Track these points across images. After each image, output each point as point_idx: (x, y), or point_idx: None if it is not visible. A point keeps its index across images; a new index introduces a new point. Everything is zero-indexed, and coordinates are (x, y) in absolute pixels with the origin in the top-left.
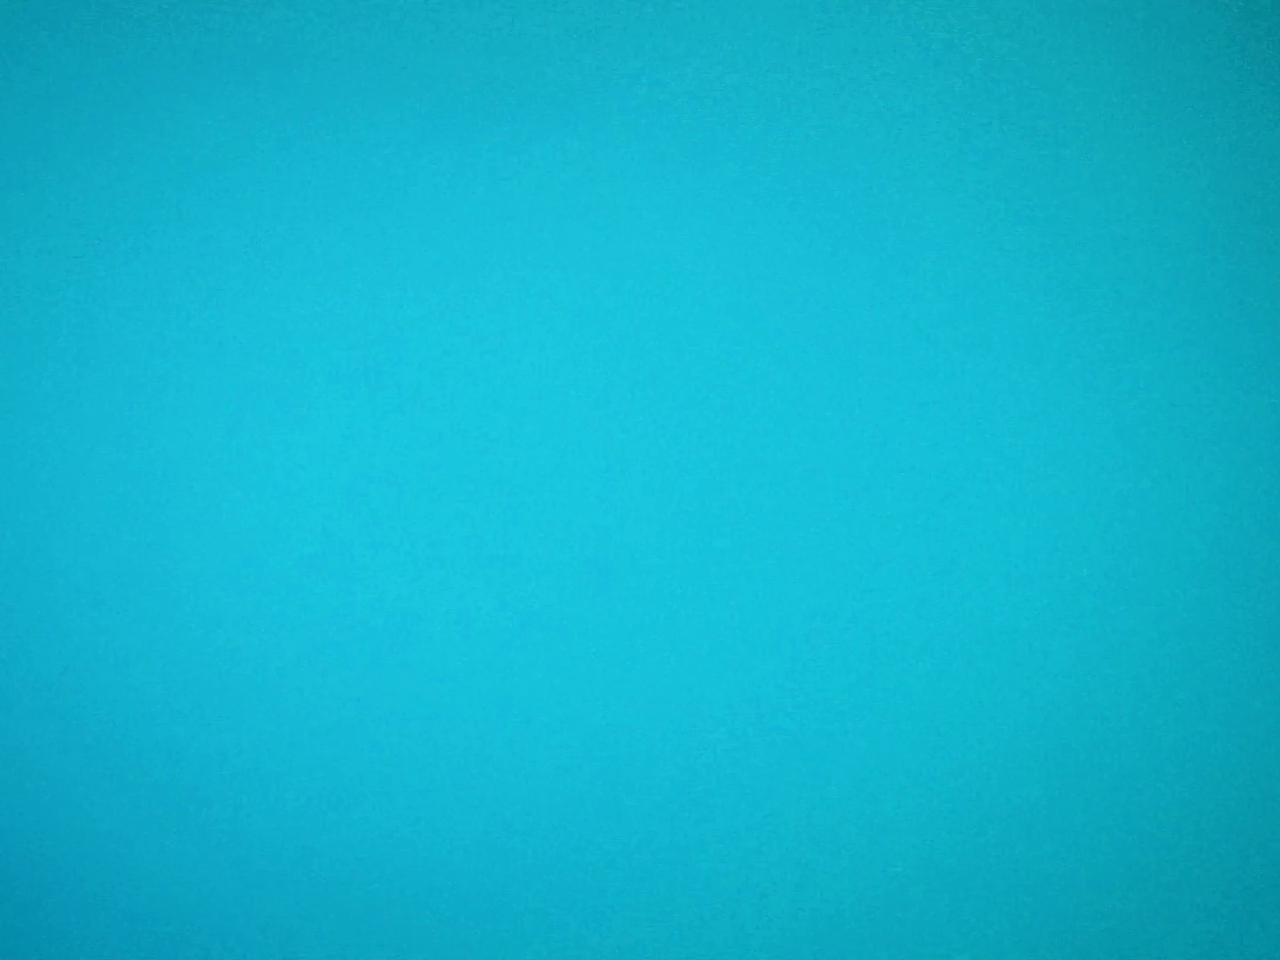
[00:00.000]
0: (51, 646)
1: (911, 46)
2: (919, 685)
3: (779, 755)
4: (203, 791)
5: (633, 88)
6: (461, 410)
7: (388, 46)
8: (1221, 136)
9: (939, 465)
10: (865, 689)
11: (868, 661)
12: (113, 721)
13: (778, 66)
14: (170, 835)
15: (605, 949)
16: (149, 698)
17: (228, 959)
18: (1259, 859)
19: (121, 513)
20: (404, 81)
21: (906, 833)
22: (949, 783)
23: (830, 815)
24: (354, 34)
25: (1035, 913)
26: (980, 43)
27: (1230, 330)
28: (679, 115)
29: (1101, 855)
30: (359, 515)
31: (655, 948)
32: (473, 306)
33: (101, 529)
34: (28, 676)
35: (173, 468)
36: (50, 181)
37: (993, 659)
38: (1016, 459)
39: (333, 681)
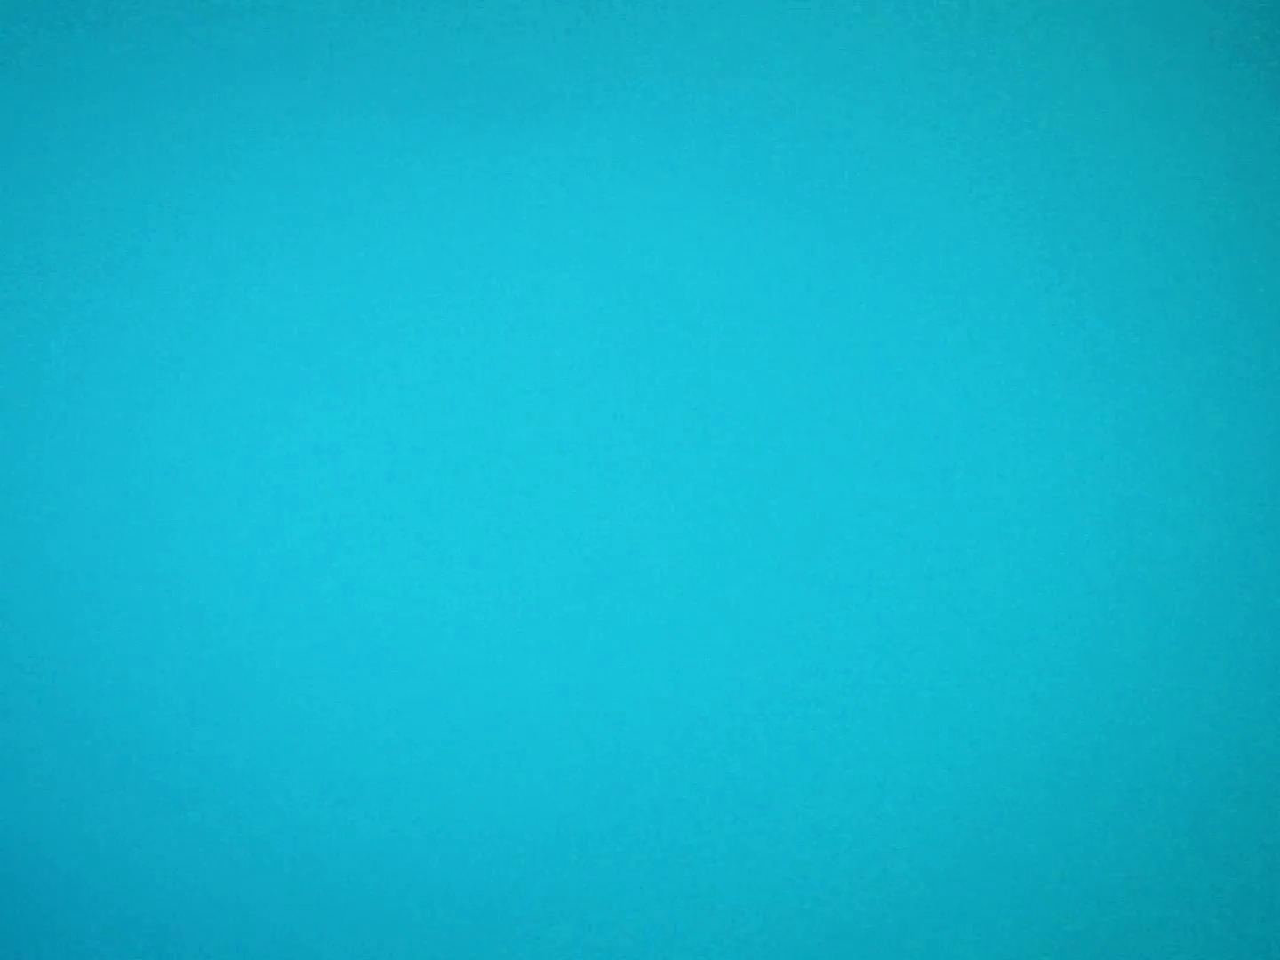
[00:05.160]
0: (52, 646)
1: (912, 46)
2: (920, 686)
3: (780, 756)
4: (203, 791)
5: (633, 87)
6: (461, 410)
7: (388, 46)
8: (1221, 137)
9: (939, 467)
10: (866, 689)
11: (868, 662)
12: (113, 721)
13: (778, 66)
14: (171, 835)
15: (605, 949)
16: (149, 697)
17: (228, 959)
18: (1259, 859)
19: (121, 512)
20: (404, 81)
21: (907, 833)
22: (950, 784)
23: (831, 817)
24: (354, 34)
25: (1035, 913)
26: (980, 42)
27: (1230, 330)
28: (679, 115)
29: (1102, 856)
30: (360, 515)
31: (655, 948)
32: (473, 307)
33: (101, 529)
34: (28, 676)
35: (172, 467)
36: (50, 181)
37: (993, 660)
38: (1017, 459)
39: (333, 681)
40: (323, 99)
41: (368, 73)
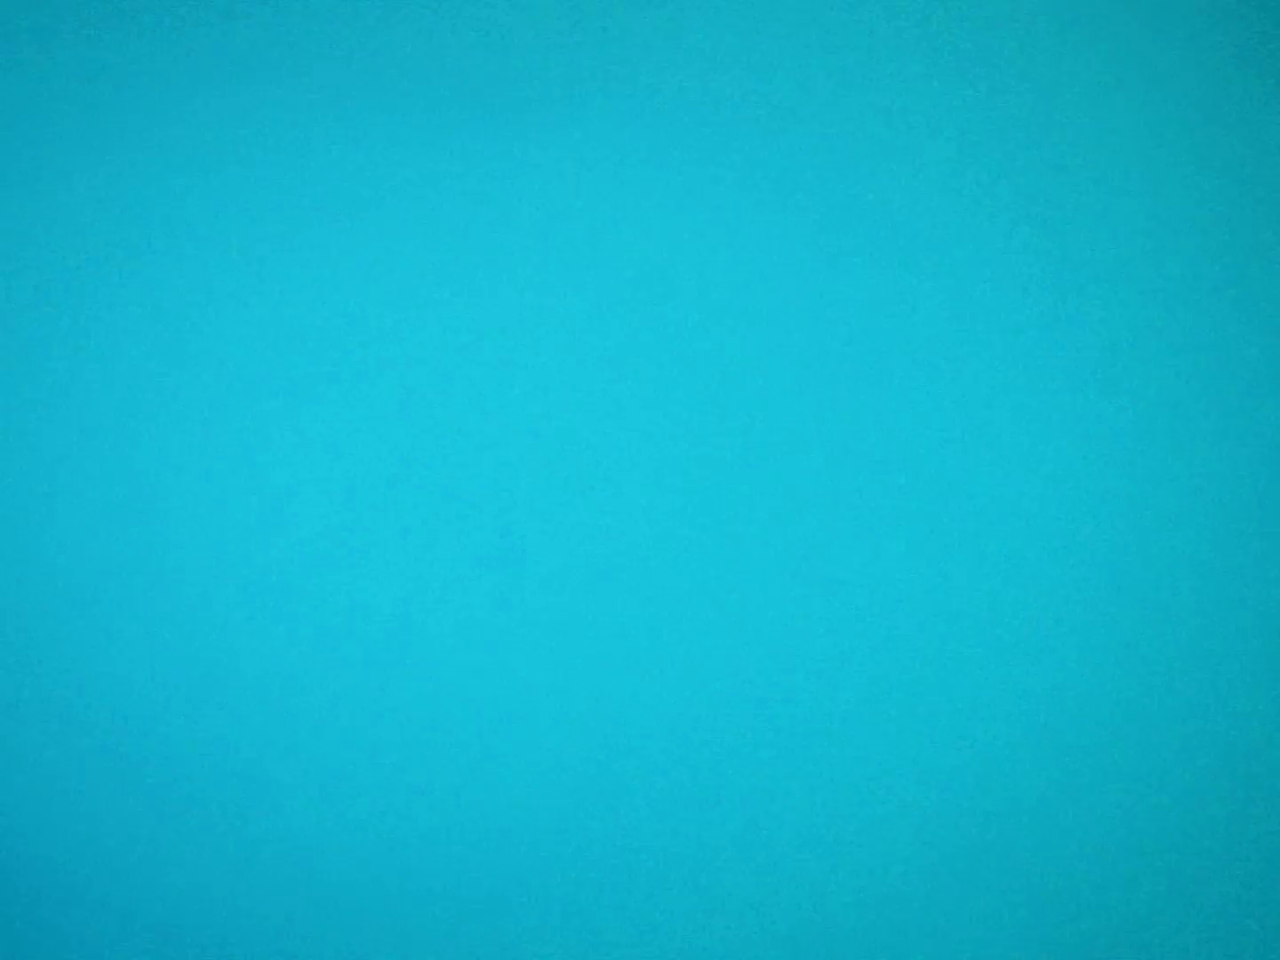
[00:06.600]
0: (51, 646)
1: (911, 46)
2: (919, 686)
3: (779, 756)
4: (203, 791)
5: (632, 87)
6: (461, 410)
7: (388, 46)
8: (1221, 137)
9: (939, 467)
10: (865, 689)
11: (868, 662)
12: (113, 721)
13: (778, 66)
14: (171, 835)
15: (605, 948)
16: (149, 697)
17: (228, 959)
18: (1259, 859)
19: (123, 512)
20: (404, 81)
21: (907, 833)
22: (949, 783)
23: (830, 817)
24: (354, 34)
25: (1035, 913)
26: (980, 42)
27: (1230, 330)
28: (679, 114)
29: (1101, 856)
30: (360, 515)
31: (654, 947)
32: (472, 307)
33: (101, 528)
34: (28, 676)
35: (173, 466)
36: (50, 181)
37: (992, 659)
38: (1016, 460)
39: (333, 681)
40: (322, 98)
41: (368, 72)
